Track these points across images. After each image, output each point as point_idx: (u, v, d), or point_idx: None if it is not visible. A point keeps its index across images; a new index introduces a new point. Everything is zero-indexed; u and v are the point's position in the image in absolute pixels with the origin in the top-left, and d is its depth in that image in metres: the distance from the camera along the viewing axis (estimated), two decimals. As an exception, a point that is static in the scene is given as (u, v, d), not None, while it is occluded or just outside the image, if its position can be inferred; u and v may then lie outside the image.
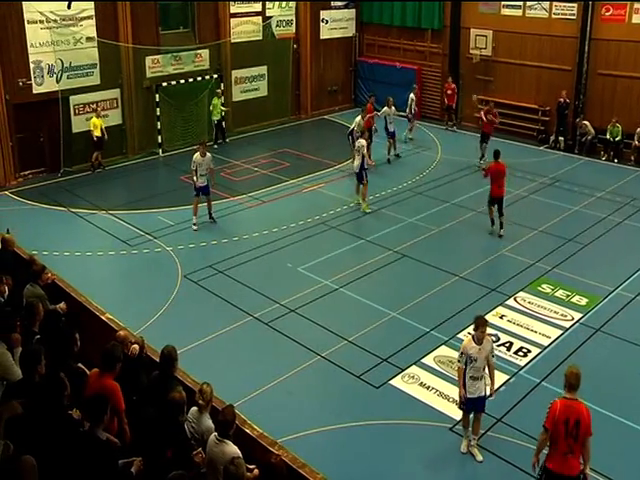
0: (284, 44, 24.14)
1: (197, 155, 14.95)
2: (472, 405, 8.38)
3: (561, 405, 6.69)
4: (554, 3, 21.26)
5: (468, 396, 8.27)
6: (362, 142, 16.39)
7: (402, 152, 20.77)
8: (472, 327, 8.44)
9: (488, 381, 8.37)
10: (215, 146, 20.98)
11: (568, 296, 12.37)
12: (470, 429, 8.54)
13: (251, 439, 6.32)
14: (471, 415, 8.50)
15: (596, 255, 14.09)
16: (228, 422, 5.79)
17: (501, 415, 9.16)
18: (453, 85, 22.98)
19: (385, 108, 19.64)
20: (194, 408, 6.31)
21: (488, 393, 8.40)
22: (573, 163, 20.32)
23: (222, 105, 21.31)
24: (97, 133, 18.78)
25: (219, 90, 21.38)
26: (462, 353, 8.24)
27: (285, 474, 5.67)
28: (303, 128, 24.50)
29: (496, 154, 14.76)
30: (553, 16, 21.40)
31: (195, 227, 15.20)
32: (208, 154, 15.17)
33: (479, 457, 8.47)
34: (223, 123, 21.69)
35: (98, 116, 18.96)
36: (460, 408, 8.56)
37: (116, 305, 10.26)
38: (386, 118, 19.62)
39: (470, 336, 8.37)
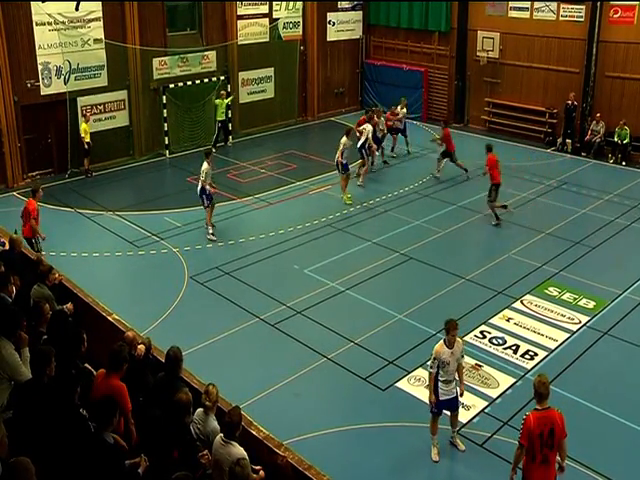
0: (291, 46, 24.17)
1: (206, 165, 14.67)
2: (445, 405, 8.44)
3: (534, 419, 6.65)
4: (562, 5, 21.22)
5: (441, 398, 8.29)
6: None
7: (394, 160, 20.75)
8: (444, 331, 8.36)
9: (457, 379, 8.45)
10: (213, 150, 20.37)
11: (575, 299, 12.33)
12: (445, 430, 8.56)
13: (257, 441, 6.31)
14: (440, 419, 8.50)
15: (604, 258, 14.03)
16: (234, 423, 5.79)
17: (507, 418, 9.13)
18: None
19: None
20: (200, 409, 6.31)
21: (459, 392, 8.47)
22: (580, 165, 20.25)
23: (228, 102, 21.14)
24: (88, 139, 18.59)
25: (223, 92, 21.23)
26: (435, 359, 8.18)
27: (291, 476, 5.67)
28: (310, 130, 24.51)
29: (489, 147, 16.04)
30: (561, 18, 21.35)
31: (214, 237, 14.85)
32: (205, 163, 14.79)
33: (462, 447, 8.61)
34: (230, 125, 21.72)
35: (87, 121, 18.72)
36: (431, 412, 8.44)
37: (122, 306, 10.25)
38: (374, 128, 18.72)
39: (442, 341, 8.29)
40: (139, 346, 7.27)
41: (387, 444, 8.74)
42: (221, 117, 21.15)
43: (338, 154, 16.80)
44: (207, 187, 14.69)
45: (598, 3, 20.25)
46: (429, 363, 8.42)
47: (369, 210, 16.58)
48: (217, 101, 20.96)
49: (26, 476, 4.33)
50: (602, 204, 17.02)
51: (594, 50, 20.52)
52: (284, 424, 8.46)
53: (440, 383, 8.27)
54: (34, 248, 12.30)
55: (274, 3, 23.36)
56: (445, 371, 8.21)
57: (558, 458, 6.84)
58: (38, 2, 17.79)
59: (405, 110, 20.24)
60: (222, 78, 21.90)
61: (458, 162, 18.75)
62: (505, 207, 15.87)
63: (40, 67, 18.23)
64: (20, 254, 9.97)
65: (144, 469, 5.49)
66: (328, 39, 25.57)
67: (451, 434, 8.71)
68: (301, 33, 24.59)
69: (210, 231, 14.87)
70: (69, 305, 8.55)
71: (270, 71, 23.84)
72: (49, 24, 18.17)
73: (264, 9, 23.16)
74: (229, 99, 21.31)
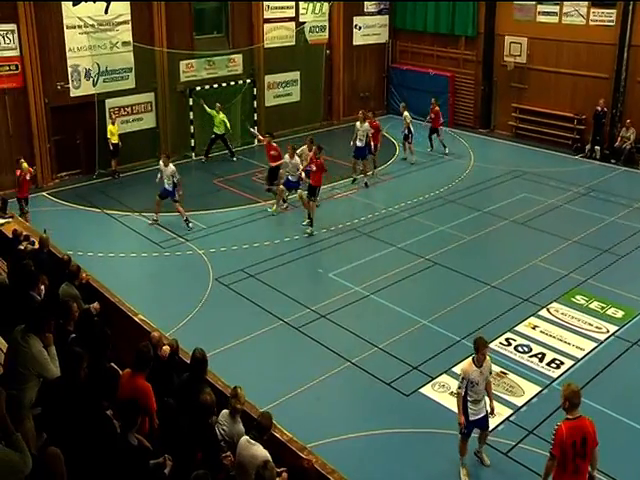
0: (317, 50, 24.19)
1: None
2: (475, 426, 8.14)
3: (566, 429, 6.48)
4: (592, 10, 20.97)
5: (471, 419, 7.98)
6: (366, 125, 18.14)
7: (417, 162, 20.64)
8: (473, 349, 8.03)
9: (487, 398, 8.15)
10: (204, 160, 20.40)
11: (603, 308, 12.14)
12: (467, 455, 8.28)
13: (281, 443, 6.30)
14: (469, 442, 8.24)
15: (633, 267, 13.79)
16: (266, 427, 5.82)
17: (533, 427, 9.01)
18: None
19: (357, 123, 18.51)
20: (225, 411, 6.31)
21: (489, 410, 8.17)
22: (609, 172, 19.96)
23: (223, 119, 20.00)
24: (115, 140, 18.77)
25: (219, 104, 20.10)
26: (463, 378, 7.88)
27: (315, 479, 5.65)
28: (335, 134, 24.47)
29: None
30: (591, 23, 21.08)
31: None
32: (171, 165, 15.46)
33: (487, 461, 8.41)
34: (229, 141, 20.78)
35: (114, 123, 18.92)
36: (460, 433, 8.12)
37: (148, 306, 10.32)
38: (357, 134, 18.37)
39: (470, 359, 8.00)
40: (164, 347, 7.30)
41: (410, 451, 8.67)
42: (218, 130, 20.15)
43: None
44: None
45: (630, 7, 19.97)
46: (457, 383, 8.13)
47: (394, 215, 16.51)
48: (211, 112, 20.13)
49: (57, 463, 4.38)
50: (631, 212, 16.74)
51: (625, 55, 20.22)
52: (307, 427, 8.43)
53: (469, 403, 7.95)
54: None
55: (301, 7, 23.44)
56: (474, 391, 7.90)
57: (589, 468, 6.71)
58: (69, 5, 18.04)
59: (406, 113, 20.05)
60: (248, 81, 22.00)
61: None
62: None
63: (70, 69, 18.48)
64: (49, 253, 10.10)
65: (170, 470, 5.50)
66: (354, 43, 25.55)
67: (478, 448, 8.48)
68: (327, 37, 24.61)
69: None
70: (96, 305, 8.65)
71: (296, 75, 23.89)
72: (79, 27, 18.42)
73: (290, 13, 23.23)
74: (223, 117, 20.06)
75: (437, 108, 20.83)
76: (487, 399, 8.15)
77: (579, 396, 6.58)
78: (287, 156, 15.94)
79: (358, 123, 18.46)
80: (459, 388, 7.98)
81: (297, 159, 15.94)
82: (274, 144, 17.15)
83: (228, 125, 20.24)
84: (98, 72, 18.92)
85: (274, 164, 17.00)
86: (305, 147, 16.71)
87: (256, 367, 10.25)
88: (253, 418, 6.18)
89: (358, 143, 18.35)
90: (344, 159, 20.35)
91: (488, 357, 8.12)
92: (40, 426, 5.57)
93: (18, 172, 15.05)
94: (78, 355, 6.04)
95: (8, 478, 4.43)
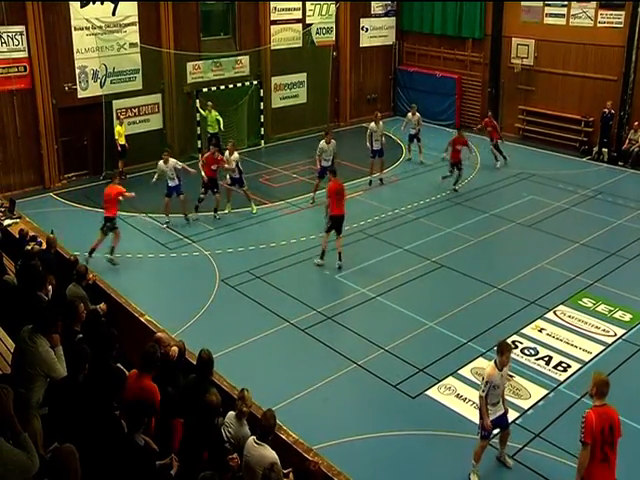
0: (324, 51, 24.21)
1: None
2: (495, 425, 8.11)
3: (596, 415, 6.56)
4: (600, 11, 20.90)
5: (491, 418, 7.97)
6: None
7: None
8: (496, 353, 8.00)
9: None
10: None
11: (610, 311, 12.08)
12: (481, 461, 8.21)
13: (287, 445, 6.30)
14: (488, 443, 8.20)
15: (640, 270, 13.75)
16: (269, 426, 5.81)
17: (539, 430, 8.98)
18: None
19: (372, 124, 18.54)
20: (232, 413, 6.31)
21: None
22: (617, 175, 19.89)
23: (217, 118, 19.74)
24: (122, 141, 18.78)
25: (210, 103, 19.85)
26: (487, 382, 7.84)
27: (321, 482, 5.64)
28: (342, 136, 24.40)
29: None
30: (599, 25, 21.01)
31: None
32: (171, 160, 15.64)
33: (510, 464, 8.36)
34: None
35: (121, 124, 18.93)
36: (481, 436, 8.05)
37: (154, 307, 10.33)
38: (372, 134, 18.43)
39: (493, 363, 7.96)
40: (172, 348, 7.31)
41: (416, 453, 8.66)
42: (211, 130, 19.93)
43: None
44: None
45: (639, 8, 19.89)
46: (480, 387, 8.06)
47: (400, 217, 16.49)
48: (204, 112, 19.87)
49: (71, 460, 4.39)
50: (639, 215, 16.67)
51: (633, 57, 20.15)
52: (313, 429, 8.43)
53: (489, 405, 7.98)
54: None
55: (307, 9, 23.45)
56: (494, 394, 7.95)
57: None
58: (77, 7, 18.11)
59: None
60: (255, 83, 22.03)
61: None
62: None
63: (77, 71, 18.56)
64: (56, 254, 10.14)
65: (176, 470, 5.51)
66: (361, 45, 25.57)
67: (499, 452, 8.43)
68: (334, 39, 24.63)
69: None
70: (102, 305, 8.68)
71: (303, 76, 23.92)
72: (87, 29, 18.50)
73: (297, 15, 23.27)
74: (216, 115, 19.78)
75: (490, 120, 20.49)
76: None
77: (608, 386, 6.67)
78: (323, 142, 16.74)
79: (373, 124, 18.50)
80: (482, 392, 7.93)
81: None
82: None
83: (221, 124, 19.98)
84: (105, 73, 19.00)
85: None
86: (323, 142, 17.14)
87: (262, 368, 10.25)
88: (259, 419, 6.17)
89: (375, 146, 18.41)
90: (350, 161, 20.36)
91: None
92: (47, 426, 5.58)
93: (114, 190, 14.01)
94: (82, 353, 6.05)
95: (16, 477, 4.45)
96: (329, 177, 14.26)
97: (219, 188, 16.26)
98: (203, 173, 16.08)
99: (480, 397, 8.01)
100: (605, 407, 6.64)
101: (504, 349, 7.88)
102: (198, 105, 20.26)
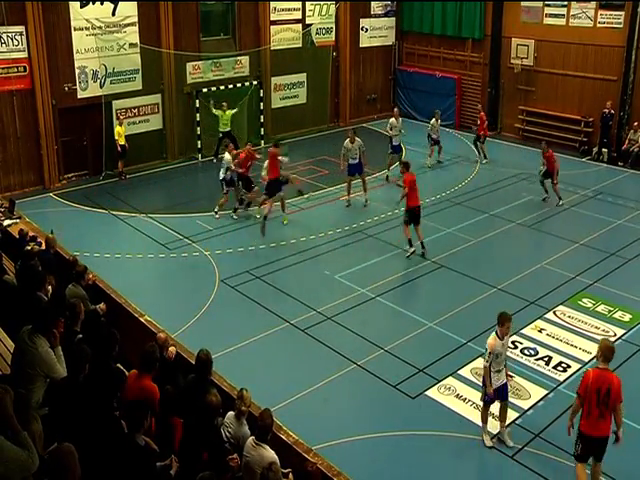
0: (324, 52, 24.22)
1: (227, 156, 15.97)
2: (497, 395, 8.58)
3: (594, 375, 7.18)
4: (600, 12, 20.91)
5: (494, 387, 8.49)
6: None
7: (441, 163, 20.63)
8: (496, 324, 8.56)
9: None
10: (214, 160, 20.20)
11: (610, 311, 12.08)
12: (492, 422, 8.80)
13: (286, 445, 6.30)
14: (491, 410, 8.80)
15: (640, 270, 13.75)
16: (267, 426, 5.80)
17: (539, 430, 8.97)
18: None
19: (392, 119, 19.10)
20: (231, 413, 6.31)
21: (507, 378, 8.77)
22: (617, 175, 19.89)
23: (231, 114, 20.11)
24: (122, 141, 18.77)
25: (224, 103, 20.13)
26: (490, 353, 8.37)
27: (321, 482, 5.64)
28: (342, 136, 24.23)
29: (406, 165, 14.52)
30: (598, 25, 21.02)
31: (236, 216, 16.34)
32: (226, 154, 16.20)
33: (510, 443, 8.71)
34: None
35: (121, 124, 18.92)
36: (484, 400, 8.68)
37: (154, 307, 10.31)
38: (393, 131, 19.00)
39: (494, 334, 8.48)
40: (170, 348, 7.31)
41: (415, 453, 8.65)
42: (224, 128, 20.23)
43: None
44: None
45: (639, 9, 19.89)
46: (485, 357, 8.53)
47: (400, 217, 16.43)
48: (217, 112, 20.10)
49: (70, 460, 4.39)
50: (639, 215, 16.66)
51: (633, 57, 20.16)
52: (313, 429, 8.42)
53: (492, 373, 8.45)
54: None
55: (307, 9, 23.44)
56: (497, 362, 8.44)
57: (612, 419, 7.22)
58: (76, 7, 18.10)
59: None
60: (255, 83, 22.03)
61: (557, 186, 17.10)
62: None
63: (77, 71, 18.56)
64: (55, 254, 10.14)
65: (176, 470, 5.50)
66: (361, 45, 25.59)
67: (499, 429, 8.81)
68: (334, 39, 24.64)
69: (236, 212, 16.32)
70: (102, 305, 8.67)
71: (302, 77, 23.93)
72: (86, 29, 18.50)
73: (297, 15, 23.27)
74: (232, 111, 20.23)
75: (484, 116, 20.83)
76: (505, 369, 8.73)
77: (613, 352, 7.28)
78: (348, 141, 16.87)
79: (393, 119, 18.94)
80: (486, 361, 8.44)
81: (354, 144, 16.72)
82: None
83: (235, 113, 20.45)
84: (105, 74, 19.00)
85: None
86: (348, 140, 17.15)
87: (262, 368, 10.24)
88: (256, 419, 6.17)
89: (395, 141, 19.03)
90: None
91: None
92: (47, 427, 5.58)
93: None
94: (82, 353, 6.04)
95: (16, 475, 4.45)
96: (401, 170, 14.57)
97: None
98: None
99: (484, 367, 8.52)
100: (606, 371, 7.16)
101: (504, 320, 8.44)
102: (211, 105, 20.27)
